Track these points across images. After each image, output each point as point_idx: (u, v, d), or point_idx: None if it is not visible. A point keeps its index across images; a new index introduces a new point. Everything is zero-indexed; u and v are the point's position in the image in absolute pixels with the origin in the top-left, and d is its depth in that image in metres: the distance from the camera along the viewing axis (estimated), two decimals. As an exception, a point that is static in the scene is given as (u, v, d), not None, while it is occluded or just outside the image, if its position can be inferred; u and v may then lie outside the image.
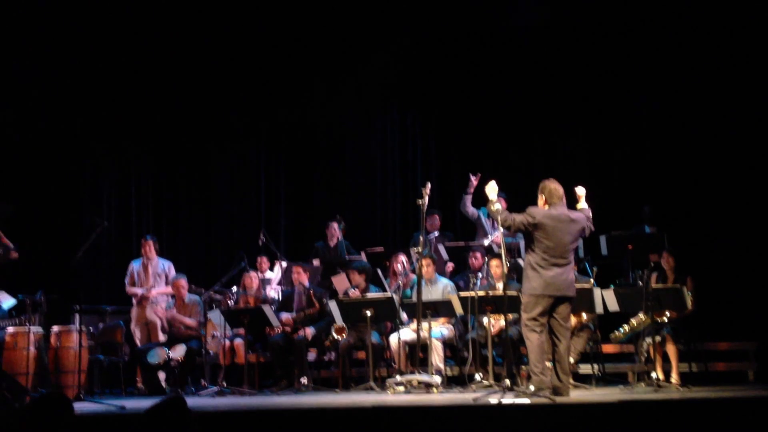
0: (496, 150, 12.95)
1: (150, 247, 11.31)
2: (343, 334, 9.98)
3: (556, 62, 12.48)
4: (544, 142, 12.90)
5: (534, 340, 7.79)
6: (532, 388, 7.74)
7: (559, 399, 7.51)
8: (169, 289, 10.96)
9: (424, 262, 9.67)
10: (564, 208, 8.01)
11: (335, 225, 11.95)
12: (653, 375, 8.59)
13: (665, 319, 8.91)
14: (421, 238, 9.49)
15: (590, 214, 8.24)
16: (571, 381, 8.55)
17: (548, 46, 12.47)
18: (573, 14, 12.21)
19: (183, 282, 10.69)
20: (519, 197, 12.35)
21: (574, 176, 12.40)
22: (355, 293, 10.24)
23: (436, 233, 11.53)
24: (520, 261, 10.30)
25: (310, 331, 10.11)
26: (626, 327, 9.24)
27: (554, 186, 8.02)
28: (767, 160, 11.09)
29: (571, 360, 8.91)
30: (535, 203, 12.03)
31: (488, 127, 12.93)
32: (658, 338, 8.82)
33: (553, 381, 7.79)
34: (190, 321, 10.54)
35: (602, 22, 12.11)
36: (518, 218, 7.89)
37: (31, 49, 12.45)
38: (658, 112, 12.04)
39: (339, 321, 9.81)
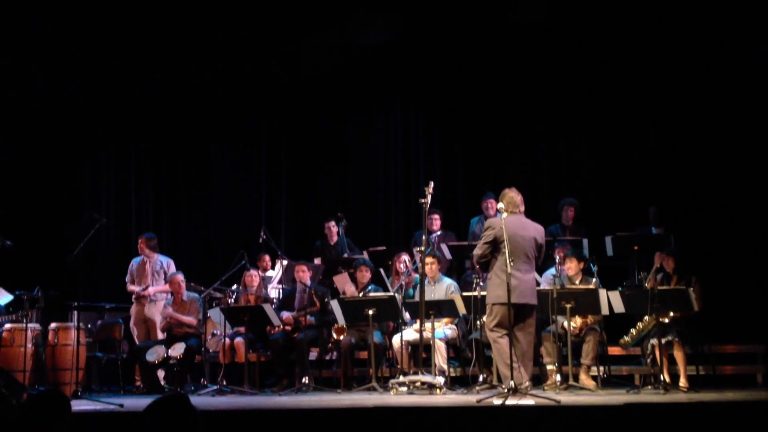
0: (500, 149, 12.87)
1: (142, 245, 11.22)
2: (343, 335, 9.87)
3: (561, 61, 12.42)
4: (549, 142, 12.81)
5: (502, 344, 7.93)
6: (512, 383, 7.75)
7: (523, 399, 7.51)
8: (167, 287, 10.87)
9: (427, 260, 9.57)
10: (521, 215, 8.25)
11: (332, 223, 11.87)
12: (660, 377, 8.50)
13: (671, 316, 8.78)
14: (424, 238, 9.39)
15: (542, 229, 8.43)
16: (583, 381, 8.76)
17: (553, 46, 12.40)
18: (578, 13, 12.13)
19: (180, 278, 10.60)
20: (522, 195, 12.35)
21: (579, 175, 12.48)
22: (351, 289, 10.17)
23: (439, 232, 11.42)
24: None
25: (309, 319, 10.04)
26: (633, 331, 9.13)
27: (512, 194, 8.26)
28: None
29: (588, 363, 9.05)
30: (536, 205, 12.15)
31: (492, 126, 12.85)
32: (664, 340, 8.71)
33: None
34: (188, 319, 10.43)
35: (608, 22, 12.02)
36: (480, 245, 8.17)
37: (29, 44, 12.36)
38: (665, 112, 11.94)
39: (341, 320, 9.72)
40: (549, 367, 9.04)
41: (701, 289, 8.96)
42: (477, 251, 8.18)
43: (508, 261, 7.76)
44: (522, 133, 12.83)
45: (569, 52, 12.33)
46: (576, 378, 8.95)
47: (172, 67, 13.06)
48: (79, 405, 8.08)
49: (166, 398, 4.05)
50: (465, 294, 9.39)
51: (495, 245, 8.03)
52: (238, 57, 13.05)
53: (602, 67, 12.18)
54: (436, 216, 11.47)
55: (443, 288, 9.83)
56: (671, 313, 8.77)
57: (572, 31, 12.23)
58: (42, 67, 12.58)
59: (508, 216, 8.05)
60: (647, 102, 12.06)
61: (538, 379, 9.20)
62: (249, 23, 12.70)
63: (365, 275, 10.21)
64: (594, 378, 9.19)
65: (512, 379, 7.79)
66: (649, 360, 8.95)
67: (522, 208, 8.27)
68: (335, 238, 11.92)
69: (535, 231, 8.22)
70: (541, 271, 10.03)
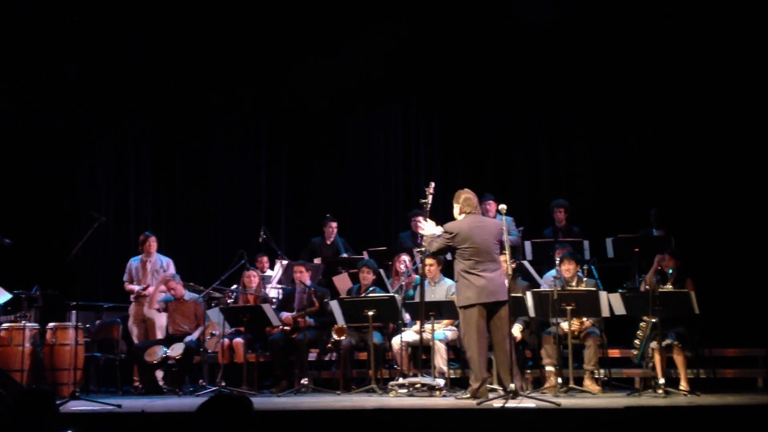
0: (501, 149, 12.86)
1: (153, 243, 11.21)
2: (344, 335, 9.82)
3: (562, 62, 12.40)
4: (549, 143, 12.77)
5: (475, 349, 8.03)
6: (468, 394, 8.07)
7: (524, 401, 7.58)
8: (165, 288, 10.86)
9: (427, 261, 9.53)
10: (479, 215, 8.50)
11: (334, 224, 11.85)
12: (660, 381, 8.46)
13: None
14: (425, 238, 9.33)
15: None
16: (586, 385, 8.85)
17: (554, 46, 12.38)
18: (579, 14, 12.13)
19: (173, 283, 10.58)
20: (523, 197, 12.34)
21: (580, 177, 12.45)
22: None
23: (441, 232, 11.31)
24: (525, 262, 10.21)
25: (308, 321, 10.04)
26: (636, 342, 9.05)
27: (467, 195, 8.47)
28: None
29: (591, 368, 9.01)
30: (536, 205, 12.12)
31: (493, 126, 12.83)
32: (664, 344, 8.64)
33: (506, 384, 7.94)
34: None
35: (609, 24, 12.01)
36: (435, 243, 8.41)
37: (29, 42, 12.34)
38: (667, 115, 11.91)
39: (340, 321, 9.69)
40: (549, 369, 8.99)
41: (697, 292, 8.84)
42: (433, 248, 8.43)
43: (509, 263, 7.96)
44: (523, 134, 12.81)
45: (570, 53, 12.31)
46: (578, 382, 8.90)
47: (172, 66, 13.04)
48: (77, 405, 8.05)
49: (224, 397, 4.02)
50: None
51: (451, 248, 8.26)
52: (238, 56, 13.02)
53: (603, 69, 12.16)
54: (420, 218, 11.27)
55: (444, 289, 9.76)
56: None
57: (573, 32, 12.22)
58: (42, 65, 12.54)
59: (467, 216, 8.33)
60: (649, 105, 12.03)
61: (539, 381, 9.17)
62: (250, 24, 12.69)
63: (367, 276, 10.14)
64: (594, 381, 9.14)
65: (512, 382, 7.82)
66: (650, 364, 8.89)
67: (479, 209, 8.57)
68: (332, 238, 11.91)
69: (495, 227, 8.35)
70: (541, 273, 10.01)
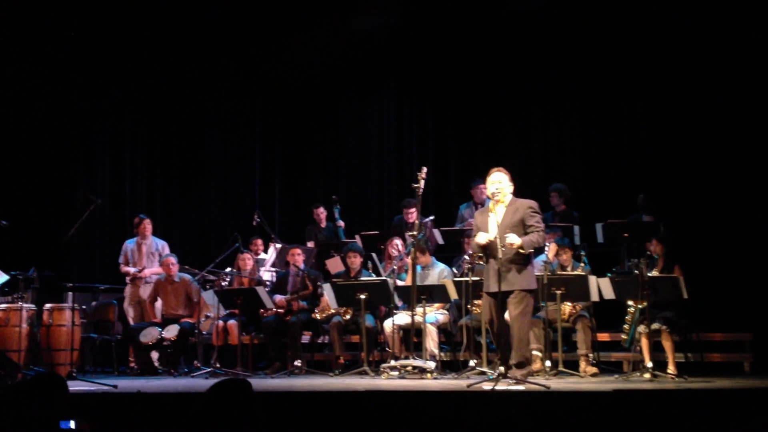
0: (493, 135, 12.89)
1: (147, 225, 11.26)
2: (349, 314, 9.90)
3: (553, 47, 12.40)
4: (541, 129, 12.82)
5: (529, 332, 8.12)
6: (502, 369, 7.78)
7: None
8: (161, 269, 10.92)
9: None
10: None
11: (321, 209, 11.94)
12: (648, 365, 8.57)
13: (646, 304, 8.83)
14: (417, 222, 9.41)
15: None
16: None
17: (546, 31, 12.39)
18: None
19: (172, 260, 10.67)
20: (514, 181, 12.38)
21: (571, 162, 12.52)
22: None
23: (432, 216, 11.41)
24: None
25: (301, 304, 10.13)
26: (626, 327, 9.16)
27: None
28: (764, 149, 11.02)
29: (585, 352, 9.14)
30: (529, 189, 12.15)
31: (485, 112, 12.87)
32: (652, 328, 8.75)
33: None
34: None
35: (600, 7, 12.03)
36: (537, 229, 7.80)
37: (27, 26, 12.35)
38: (656, 99, 11.95)
39: (333, 304, 9.79)
40: (535, 353, 9.08)
41: (684, 277, 8.92)
42: (541, 232, 7.84)
43: (499, 247, 7.84)
44: (514, 119, 12.84)
45: (562, 38, 12.32)
46: (567, 365, 9.01)
47: (166, 50, 13.07)
48: (73, 386, 8.13)
49: (229, 382, 4.15)
50: (457, 279, 9.44)
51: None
52: (233, 42, 13.04)
53: (595, 54, 12.18)
54: (413, 210, 11.24)
55: (436, 273, 9.88)
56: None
57: (566, 16, 12.22)
58: (38, 48, 12.55)
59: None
60: (639, 91, 12.06)
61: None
62: (244, 7, 12.70)
63: (354, 261, 10.23)
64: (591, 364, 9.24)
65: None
66: (637, 348, 9.00)
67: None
68: (324, 223, 12.02)
69: None
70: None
